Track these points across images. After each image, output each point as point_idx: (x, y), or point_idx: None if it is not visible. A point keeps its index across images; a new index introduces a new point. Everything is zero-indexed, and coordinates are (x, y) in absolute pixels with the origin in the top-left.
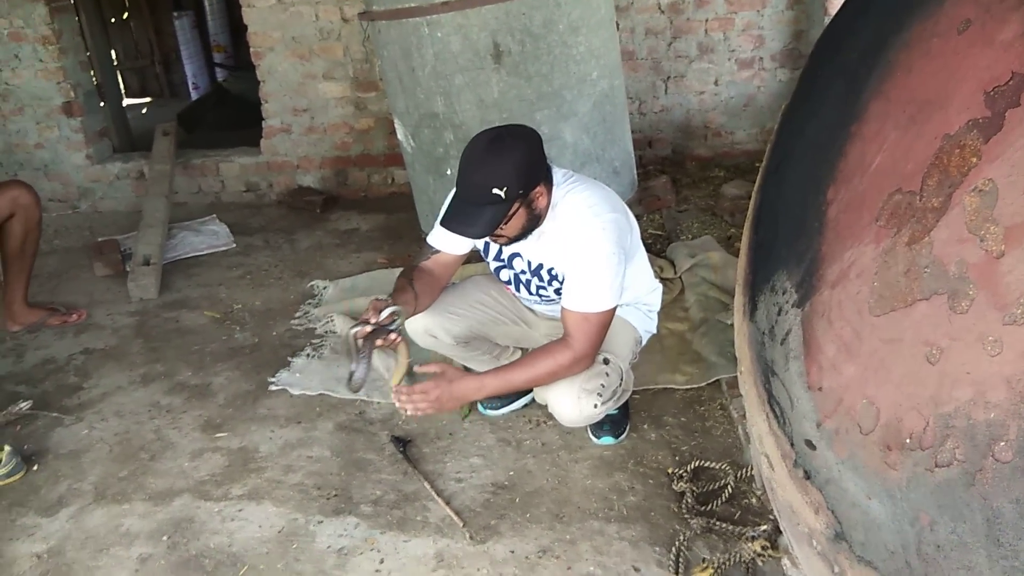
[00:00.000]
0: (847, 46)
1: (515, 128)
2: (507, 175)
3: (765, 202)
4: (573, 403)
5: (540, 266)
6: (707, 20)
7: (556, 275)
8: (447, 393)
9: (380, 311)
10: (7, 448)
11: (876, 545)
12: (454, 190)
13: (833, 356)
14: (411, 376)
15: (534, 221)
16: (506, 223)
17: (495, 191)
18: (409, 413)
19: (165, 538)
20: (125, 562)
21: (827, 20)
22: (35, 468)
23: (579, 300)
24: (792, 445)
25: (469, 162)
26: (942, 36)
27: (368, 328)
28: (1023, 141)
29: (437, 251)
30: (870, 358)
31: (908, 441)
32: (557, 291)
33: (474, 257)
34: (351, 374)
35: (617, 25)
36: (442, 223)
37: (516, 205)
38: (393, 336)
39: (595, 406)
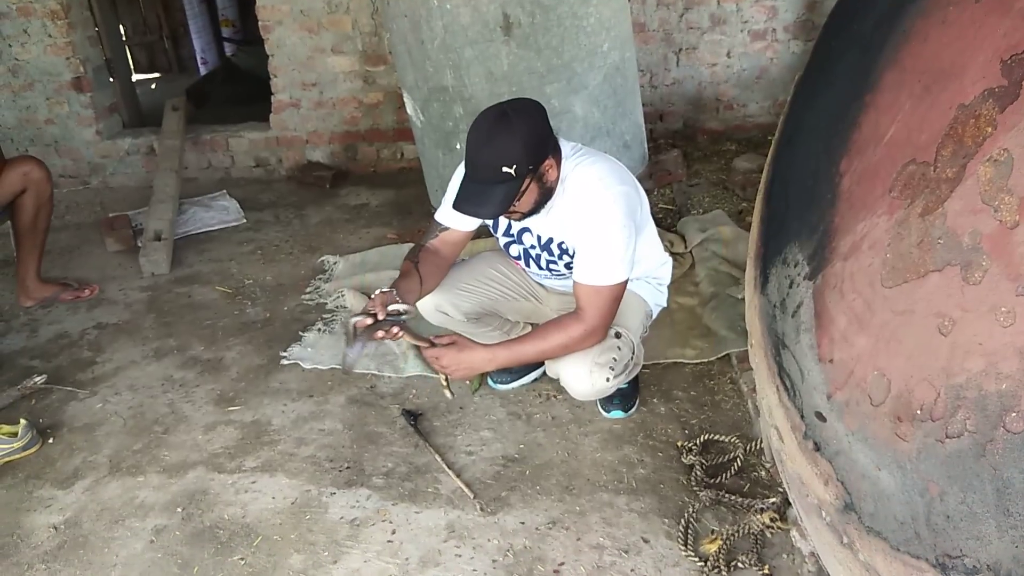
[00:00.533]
0: (861, 15)
1: (518, 103)
2: (516, 152)
3: (777, 174)
4: (586, 376)
5: (550, 240)
6: None
7: (566, 249)
8: (455, 361)
9: (386, 306)
10: (23, 422)
11: (885, 516)
12: (461, 170)
13: (844, 328)
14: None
15: (546, 194)
16: (519, 199)
17: (505, 169)
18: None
19: (180, 510)
20: (140, 533)
21: None
22: (51, 441)
23: (591, 273)
24: (802, 417)
25: (476, 143)
26: (958, 4)
27: (368, 321)
28: None
29: (445, 228)
30: (882, 330)
31: (919, 412)
32: (567, 265)
33: (483, 232)
34: (344, 355)
35: None
36: (454, 206)
37: (527, 181)
38: (395, 330)
39: (607, 379)
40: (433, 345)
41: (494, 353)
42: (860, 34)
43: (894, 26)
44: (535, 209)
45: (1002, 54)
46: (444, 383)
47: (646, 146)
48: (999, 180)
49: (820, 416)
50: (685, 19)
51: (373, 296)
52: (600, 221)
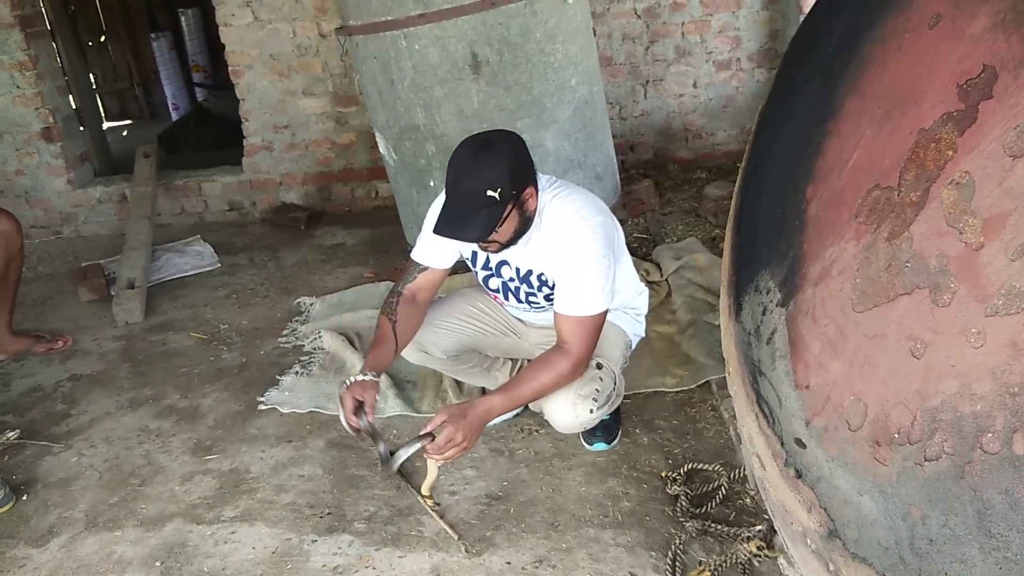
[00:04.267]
0: (821, 43)
1: (499, 132)
2: (500, 176)
3: (746, 203)
4: (569, 409)
5: (529, 272)
6: (683, 23)
7: (545, 280)
8: (466, 428)
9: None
10: None
11: (870, 541)
12: (436, 206)
13: (819, 354)
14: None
15: (525, 224)
16: (500, 226)
17: (489, 193)
18: (441, 464)
19: (158, 564)
20: None
21: (802, 19)
22: (25, 498)
23: (572, 304)
24: (782, 444)
25: (459, 169)
26: (914, 31)
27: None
28: (997, 132)
29: (424, 268)
30: (855, 354)
31: (896, 436)
32: (547, 297)
33: (459, 268)
34: (383, 456)
35: (594, 31)
36: (436, 231)
37: (510, 207)
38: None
39: (591, 411)
40: (434, 437)
41: (491, 403)
42: (821, 62)
43: (853, 53)
44: (514, 239)
45: (958, 79)
46: (440, 516)
47: (618, 177)
48: (962, 202)
49: (800, 443)
50: (651, 52)
51: (354, 382)
52: (579, 252)
